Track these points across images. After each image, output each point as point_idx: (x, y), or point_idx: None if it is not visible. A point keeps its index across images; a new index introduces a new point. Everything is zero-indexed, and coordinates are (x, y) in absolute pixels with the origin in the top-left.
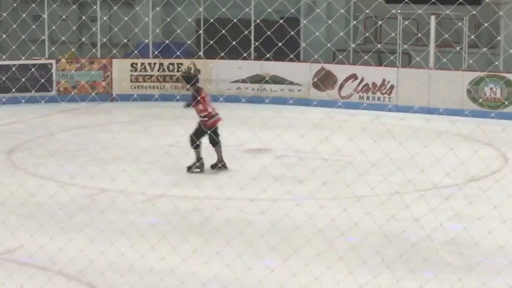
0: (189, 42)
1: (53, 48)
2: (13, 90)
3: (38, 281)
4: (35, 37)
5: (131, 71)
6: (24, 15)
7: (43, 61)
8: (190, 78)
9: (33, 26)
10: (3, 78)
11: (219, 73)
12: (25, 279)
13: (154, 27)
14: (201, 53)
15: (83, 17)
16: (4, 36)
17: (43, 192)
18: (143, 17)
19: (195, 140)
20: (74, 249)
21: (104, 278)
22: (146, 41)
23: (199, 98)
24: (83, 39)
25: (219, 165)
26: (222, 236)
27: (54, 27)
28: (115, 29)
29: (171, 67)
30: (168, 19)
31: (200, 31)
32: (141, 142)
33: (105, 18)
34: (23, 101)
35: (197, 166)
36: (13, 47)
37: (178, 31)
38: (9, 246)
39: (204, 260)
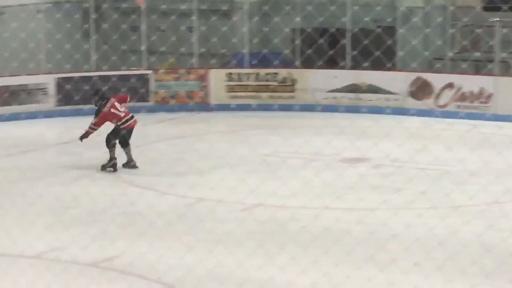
0: (286, 51)
1: (152, 59)
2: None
3: None
4: (133, 47)
5: (228, 81)
6: (121, 26)
7: (141, 71)
8: (95, 93)
9: (132, 37)
10: (102, 89)
11: (315, 82)
12: (127, 286)
13: (251, 37)
14: (297, 62)
15: (181, 28)
16: (104, 47)
17: (142, 201)
18: (240, 27)
19: (111, 140)
20: (173, 257)
21: (203, 286)
22: (243, 51)
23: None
24: (181, 49)
25: (131, 164)
26: (320, 245)
27: (150, 38)
28: (212, 40)
29: (267, 76)
30: (265, 29)
31: (297, 41)
32: (239, 151)
33: (198, 28)
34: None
35: (110, 166)
36: (113, 58)
37: (275, 41)
38: (109, 254)
39: (302, 269)
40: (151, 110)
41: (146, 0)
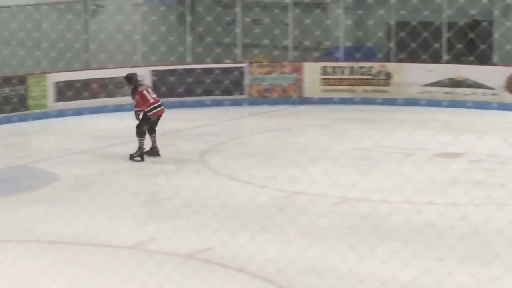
0: (389, 44)
1: (250, 52)
2: (197, 93)
3: (238, 280)
4: (229, 41)
5: (322, 74)
6: (223, 19)
7: (236, 64)
8: (127, 78)
9: (236, 30)
10: (189, 81)
11: (410, 76)
12: (227, 278)
13: (346, 30)
14: (398, 56)
15: (278, 21)
16: (208, 39)
17: (242, 194)
18: (335, 20)
19: (143, 130)
20: (273, 250)
21: (303, 279)
22: (342, 44)
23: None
24: (278, 42)
25: (154, 150)
26: (422, 239)
27: (252, 31)
28: (310, 32)
29: (362, 70)
30: (369, 22)
31: (401, 34)
32: (338, 145)
33: (293, 21)
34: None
35: (138, 155)
36: (216, 50)
37: (379, 34)
38: (210, 245)
39: (404, 263)
40: (246, 103)
41: None
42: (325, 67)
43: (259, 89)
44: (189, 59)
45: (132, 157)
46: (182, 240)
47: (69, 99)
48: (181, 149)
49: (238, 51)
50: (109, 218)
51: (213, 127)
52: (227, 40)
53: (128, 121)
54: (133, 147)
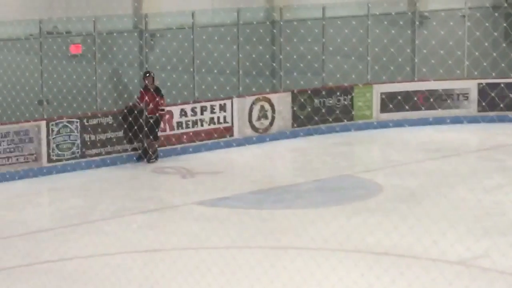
0: None
1: None
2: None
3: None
4: None
5: None
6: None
7: None
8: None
9: None
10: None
11: None
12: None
13: None
14: None
15: None
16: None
17: None
18: None
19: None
20: None
21: None
22: None
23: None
24: None
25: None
26: None
27: None
28: None
29: None
30: None
31: None
32: None
33: None
34: None
35: (155, 157)
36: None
37: None
38: (475, 252)
39: None
40: None
41: None
42: None
43: None
44: None
45: (149, 159)
46: (500, 256)
47: (392, 111)
48: (506, 164)
49: None
50: (426, 229)
51: None
52: None
53: (449, 134)
54: (455, 161)
